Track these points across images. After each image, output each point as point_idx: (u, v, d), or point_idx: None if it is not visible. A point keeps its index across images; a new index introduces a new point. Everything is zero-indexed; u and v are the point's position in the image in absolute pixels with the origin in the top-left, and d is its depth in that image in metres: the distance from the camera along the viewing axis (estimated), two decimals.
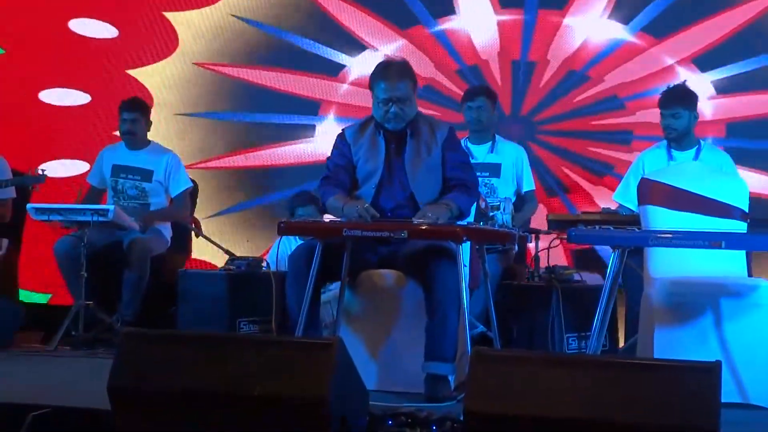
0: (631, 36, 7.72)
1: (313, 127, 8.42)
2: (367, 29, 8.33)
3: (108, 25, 8.71)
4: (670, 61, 7.63)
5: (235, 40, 8.56)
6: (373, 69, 5.14)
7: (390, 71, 5.04)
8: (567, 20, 7.87)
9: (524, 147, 6.93)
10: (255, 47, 8.55)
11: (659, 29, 7.66)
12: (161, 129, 8.16)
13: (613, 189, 6.72)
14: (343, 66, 8.35)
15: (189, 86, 8.58)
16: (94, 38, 8.72)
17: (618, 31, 7.76)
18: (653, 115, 6.59)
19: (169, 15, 8.63)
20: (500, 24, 8.02)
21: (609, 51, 7.79)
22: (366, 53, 8.28)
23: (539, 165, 7.70)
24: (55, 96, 8.73)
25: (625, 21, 7.73)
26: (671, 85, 6.45)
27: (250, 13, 8.54)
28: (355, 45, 8.34)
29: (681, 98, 6.13)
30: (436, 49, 8.18)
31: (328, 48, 8.37)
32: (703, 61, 7.56)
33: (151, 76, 8.63)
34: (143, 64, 8.65)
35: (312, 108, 8.42)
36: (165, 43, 8.66)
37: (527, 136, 7.78)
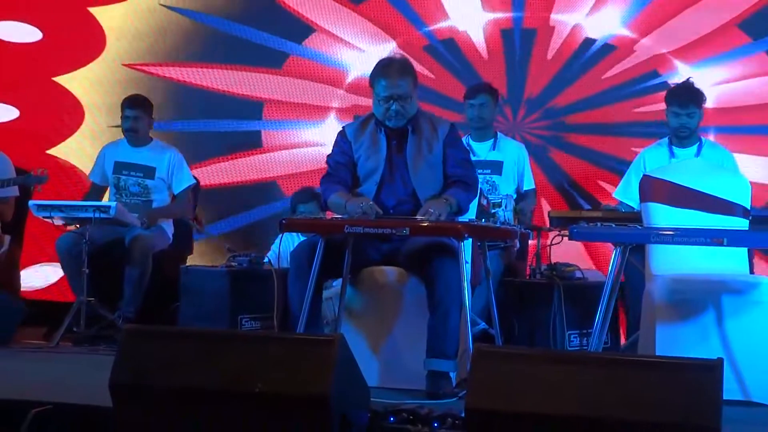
0: None
1: (258, 133, 8.05)
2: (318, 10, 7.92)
3: (31, 27, 8.28)
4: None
5: (168, 35, 8.10)
6: (373, 67, 5.14)
7: (391, 69, 5.04)
8: None
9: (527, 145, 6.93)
10: (190, 41, 8.09)
11: None
12: (94, 143, 7.86)
13: None
14: (287, 55, 7.96)
15: (119, 91, 7.89)
16: (18, 43, 8.31)
17: None
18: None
19: (94, 11, 8.20)
20: None
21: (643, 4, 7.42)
22: (314, 36, 7.95)
23: (555, 171, 7.51)
24: None
25: None
26: (679, 83, 6.47)
27: (181, 1, 8.09)
28: (301, 28, 7.91)
29: (696, 98, 6.14)
30: (397, 21, 7.77)
31: (273, 36, 7.93)
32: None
33: (79, 82, 8.23)
34: (70, 69, 8.21)
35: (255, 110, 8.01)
36: (91, 43, 8.20)
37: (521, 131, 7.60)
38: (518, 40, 7.63)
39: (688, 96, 6.13)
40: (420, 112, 5.13)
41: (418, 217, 4.75)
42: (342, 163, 5.14)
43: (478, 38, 7.71)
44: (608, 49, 7.46)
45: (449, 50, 7.71)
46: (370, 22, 7.86)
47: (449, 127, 5.15)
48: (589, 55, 7.50)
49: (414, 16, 7.78)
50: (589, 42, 7.49)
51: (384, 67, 5.07)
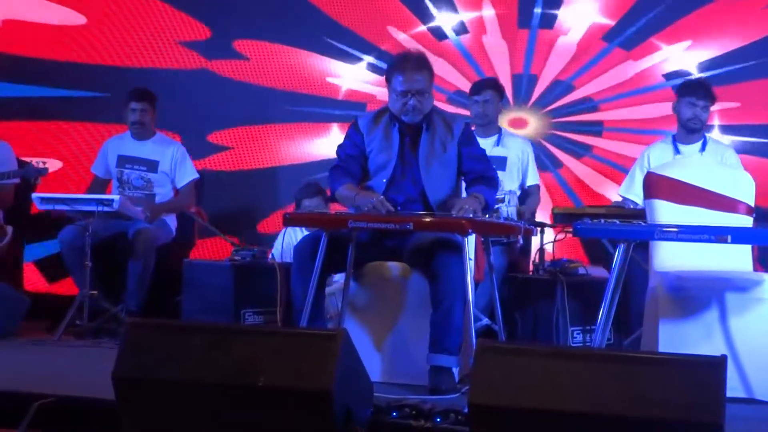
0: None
1: None
2: None
3: None
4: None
5: None
6: (390, 61, 5.12)
7: (408, 63, 5.01)
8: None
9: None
10: None
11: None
12: None
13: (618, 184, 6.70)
14: None
15: None
16: None
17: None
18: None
19: None
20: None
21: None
22: None
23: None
24: None
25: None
26: (693, 78, 6.50)
27: None
28: None
29: (712, 94, 6.17)
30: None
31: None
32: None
33: None
34: None
35: None
36: None
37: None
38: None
39: (705, 89, 6.17)
40: (434, 109, 5.11)
41: (454, 213, 4.72)
42: (353, 155, 5.12)
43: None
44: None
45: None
46: None
47: (464, 125, 5.14)
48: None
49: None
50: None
51: (401, 62, 5.04)
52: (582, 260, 6.42)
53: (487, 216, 5.05)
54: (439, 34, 7.93)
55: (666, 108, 6.77)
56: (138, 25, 8.35)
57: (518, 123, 7.68)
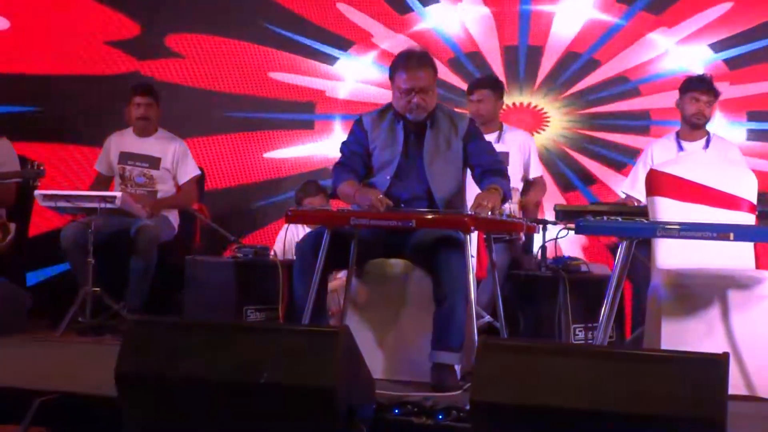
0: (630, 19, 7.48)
1: None
2: None
3: None
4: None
5: None
6: (393, 58, 5.12)
7: (411, 61, 5.00)
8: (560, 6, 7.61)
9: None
10: None
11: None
12: None
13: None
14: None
15: None
16: None
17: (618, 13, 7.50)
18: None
19: None
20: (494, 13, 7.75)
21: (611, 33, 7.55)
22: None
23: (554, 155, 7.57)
24: None
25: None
26: (696, 74, 6.47)
27: None
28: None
29: (716, 91, 6.17)
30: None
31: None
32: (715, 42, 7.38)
33: None
34: None
35: None
36: None
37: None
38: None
39: (708, 84, 6.17)
40: (439, 107, 5.10)
41: (471, 211, 4.71)
42: (356, 152, 5.12)
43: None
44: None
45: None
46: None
47: (468, 122, 5.14)
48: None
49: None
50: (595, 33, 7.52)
51: (405, 59, 5.04)
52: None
53: (489, 213, 5.05)
54: (401, 6, 7.76)
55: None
56: (63, 26, 8.01)
57: (521, 116, 7.57)
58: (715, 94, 6.18)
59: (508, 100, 7.40)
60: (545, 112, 7.65)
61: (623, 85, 7.48)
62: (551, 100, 7.64)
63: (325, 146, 7.96)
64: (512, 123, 6.95)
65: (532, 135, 7.11)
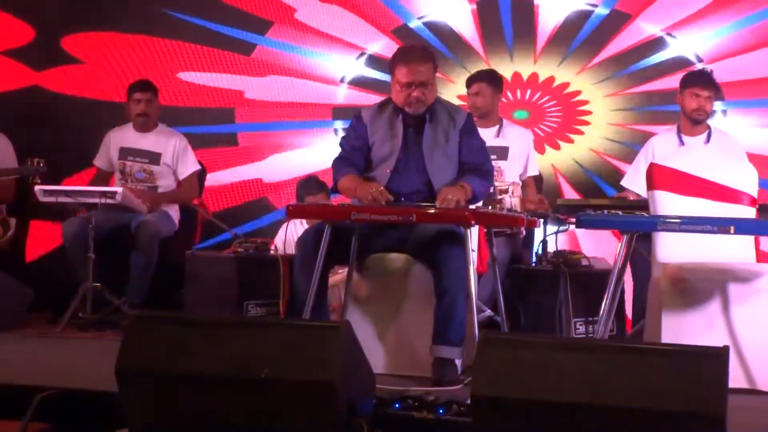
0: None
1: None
2: None
3: None
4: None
5: None
6: (394, 53, 5.12)
7: (412, 55, 5.01)
8: None
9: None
10: None
11: None
12: None
13: None
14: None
15: None
16: None
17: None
18: None
19: None
20: None
21: None
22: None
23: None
24: None
25: None
26: (697, 69, 6.47)
27: None
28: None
29: (716, 86, 6.16)
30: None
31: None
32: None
33: None
34: None
35: None
36: None
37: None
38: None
39: (709, 80, 6.15)
40: (437, 100, 5.11)
41: (437, 204, 4.74)
42: (356, 146, 5.12)
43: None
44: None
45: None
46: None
47: (466, 116, 5.14)
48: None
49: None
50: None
51: (405, 54, 5.05)
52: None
53: (489, 207, 5.05)
54: None
55: None
56: None
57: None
58: (716, 89, 6.17)
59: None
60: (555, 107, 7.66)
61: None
62: (572, 71, 7.57)
63: (256, 170, 7.79)
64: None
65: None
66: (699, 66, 7.15)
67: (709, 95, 6.12)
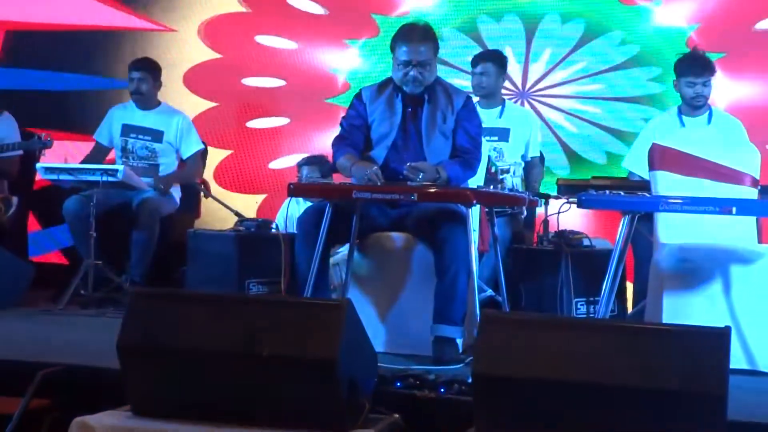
0: None
1: None
2: None
3: None
4: None
5: None
6: (396, 31, 5.11)
7: (413, 34, 5.00)
8: None
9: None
10: None
11: None
12: None
13: None
14: None
15: None
16: None
17: None
18: None
19: None
20: None
21: None
22: None
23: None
24: None
25: None
26: (686, 53, 6.41)
27: None
28: None
29: (710, 66, 6.11)
30: None
31: None
32: None
33: None
34: None
35: None
36: None
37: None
38: None
39: (702, 64, 6.10)
40: (437, 81, 5.10)
41: (405, 172, 4.73)
42: (356, 125, 5.12)
43: None
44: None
45: None
46: None
47: (465, 99, 5.13)
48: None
49: None
50: None
51: (406, 32, 5.03)
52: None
53: (491, 187, 5.05)
54: None
55: None
56: None
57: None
58: (711, 71, 6.12)
59: None
60: None
61: None
62: None
63: None
64: None
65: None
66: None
67: (705, 81, 6.09)
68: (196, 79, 8.25)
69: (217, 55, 8.26)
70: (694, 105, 6.11)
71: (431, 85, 5.05)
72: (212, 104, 8.25)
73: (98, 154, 7.03)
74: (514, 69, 7.54)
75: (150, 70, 6.98)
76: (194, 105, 8.11)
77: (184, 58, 8.25)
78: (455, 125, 5.06)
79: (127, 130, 6.94)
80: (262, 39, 8.21)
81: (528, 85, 7.67)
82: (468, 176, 5.06)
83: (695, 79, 6.07)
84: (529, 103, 7.57)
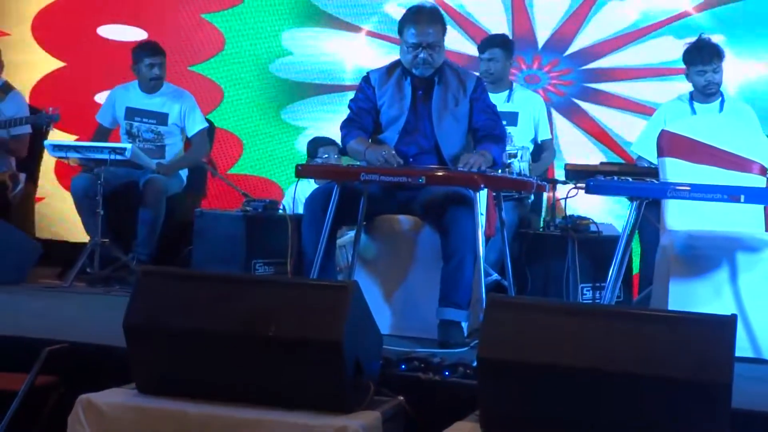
0: None
1: None
2: None
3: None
4: None
5: None
6: (403, 13, 5.10)
7: (421, 16, 4.98)
8: None
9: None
10: None
11: None
12: None
13: None
14: None
15: None
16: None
17: None
18: None
19: None
20: None
21: None
22: None
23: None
24: None
25: None
26: (693, 41, 6.38)
27: None
28: None
29: (718, 52, 6.08)
30: None
31: None
32: None
33: None
34: None
35: None
36: None
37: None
38: None
39: (710, 51, 6.07)
40: (447, 63, 5.09)
41: (460, 167, 4.73)
42: (365, 108, 5.11)
43: None
44: None
45: None
46: None
47: (476, 81, 5.12)
48: None
49: None
50: None
51: (414, 14, 5.01)
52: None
53: (499, 171, 5.04)
54: None
55: None
56: None
57: None
58: (719, 57, 6.09)
59: None
60: None
61: None
62: None
63: None
64: None
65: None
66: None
67: (714, 68, 6.06)
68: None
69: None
70: (706, 93, 6.09)
71: (440, 67, 5.04)
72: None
73: (101, 136, 7.02)
74: None
75: (163, 54, 6.96)
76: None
77: None
78: (470, 108, 5.06)
79: (132, 113, 6.93)
80: None
81: None
82: (502, 151, 5.07)
83: (705, 67, 6.04)
84: None
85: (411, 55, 4.98)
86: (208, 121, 7.17)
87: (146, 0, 8.54)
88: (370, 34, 8.02)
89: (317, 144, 6.90)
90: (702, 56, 6.06)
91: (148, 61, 6.88)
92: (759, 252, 4.71)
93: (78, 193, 6.55)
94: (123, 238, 6.65)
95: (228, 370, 3.54)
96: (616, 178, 4.73)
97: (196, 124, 6.98)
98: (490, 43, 6.65)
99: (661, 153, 5.11)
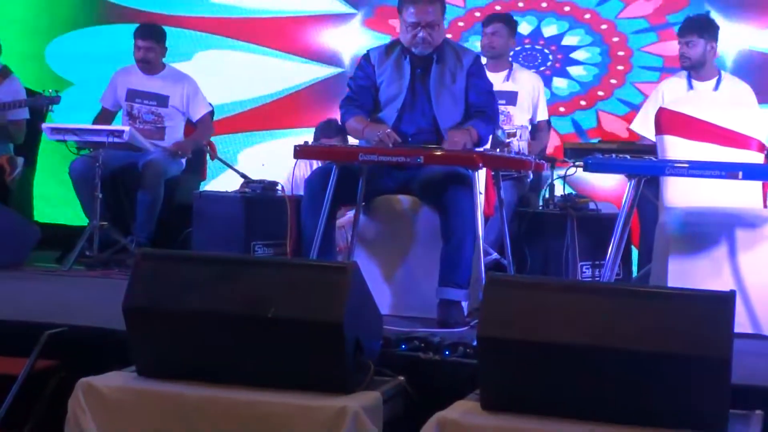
0: None
1: None
2: None
3: None
4: None
5: None
6: None
7: None
8: None
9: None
10: None
11: None
12: None
13: None
14: None
15: None
16: None
17: None
18: None
19: None
20: None
21: None
22: None
23: None
24: None
25: None
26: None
27: None
28: None
29: (697, 27, 6.08)
30: None
31: None
32: None
33: None
34: None
35: None
36: None
37: None
38: None
39: (688, 25, 6.10)
40: (446, 42, 5.09)
41: (446, 147, 4.73)
42: (364, 86, 5.11)
43: None
44: None
45: None
46: None
47: (474, 58, 5.12)
48: None
49: None
50: None
51: None
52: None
53: (498, 150, 5.04)
54: None
55: None
56: None
57: None
58: (698, 32, 6.08)
59: None
60: None
61: None
62: None
63: None
64: None
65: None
66: None
67: (686, 41, 6.06)
68: None
69: None
70: (681, 66, 6.11)
71: (440, 46, 5.03)
72: None
73: (104, 119, 7.02)
74: None
75: (156, 37, 6.93)
76: None
77: None
78: (466, 83, 5.05)
79: (133, 94, 6.93)
80: None
81: None
82: (491, 130, 5.11)
83: (679, 39, 6.08)
84: None
85: (410, 34, 4.97)
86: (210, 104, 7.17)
87: None
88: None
89: (322, 131, 6.83)
90: (681, 29, 6.09)
91: (137, 43, 6.89)
92: (757, 228, 4.72)
93: (76, 176, 6.54)
94: (122, 221, 6.65)
95: (228, 352, 3.55)
96: (614, 155, 4.73)
97: (200, 108, 6.98)
98: (494, 17, 6.66)
99: (659, 131, 5.11)
